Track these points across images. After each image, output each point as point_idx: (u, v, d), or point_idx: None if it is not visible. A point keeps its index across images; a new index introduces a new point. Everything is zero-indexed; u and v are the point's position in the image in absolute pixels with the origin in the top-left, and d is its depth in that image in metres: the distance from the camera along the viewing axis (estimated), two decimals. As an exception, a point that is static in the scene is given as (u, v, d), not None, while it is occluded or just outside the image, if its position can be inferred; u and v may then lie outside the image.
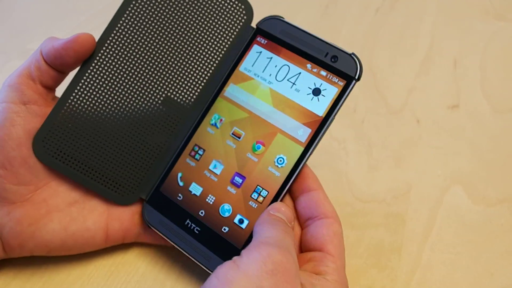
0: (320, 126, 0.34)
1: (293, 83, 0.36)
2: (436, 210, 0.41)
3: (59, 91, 0.36)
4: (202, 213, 0.35)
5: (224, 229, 0.35)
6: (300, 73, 0.36)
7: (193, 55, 0.37)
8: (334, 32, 0.54)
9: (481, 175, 0.43)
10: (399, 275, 0.38)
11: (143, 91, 0.36)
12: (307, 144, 0.34)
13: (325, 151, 0.45)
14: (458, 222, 0.41)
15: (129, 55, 0.36)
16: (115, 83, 0.35)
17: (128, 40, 0.35)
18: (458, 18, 0.55)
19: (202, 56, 0.37)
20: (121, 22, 0.35)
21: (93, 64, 0.35)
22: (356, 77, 0.34)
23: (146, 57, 0.36)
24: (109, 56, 0.35)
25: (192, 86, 0.37)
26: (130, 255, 0.38)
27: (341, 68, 0.34)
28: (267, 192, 0.35)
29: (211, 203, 0.35)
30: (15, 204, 0.34)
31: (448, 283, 0.37)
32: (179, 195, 0.36)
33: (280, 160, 0.35)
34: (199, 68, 0.37)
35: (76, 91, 0.35)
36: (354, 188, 0.43)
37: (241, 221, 0.35)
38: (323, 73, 0.35)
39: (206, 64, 0.37)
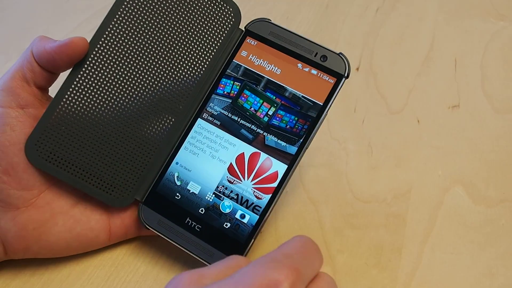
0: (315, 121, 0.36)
1: None
2: (437, 210, 0.41)
3: (53, 90, 0.35)
4: (202, 210, 0.36)
5: (226, 225, 0.35)
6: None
7: (184, 57, 0.37)
8: (334, 32, 0.54)
9: (481, 175, 0.43)
10: (400, 276, 0.38)
11: (135, 93, 0.36)
12: (304, 138, 0.36)
13: (325, 151, 0.45)
14: (458, 222, 0.40)
15: (120, 57, 0.35)
16: (107, 85, 0.35)
17: (119, 42, 0.35)
18: (459, 18, 0.55)
19: (192, 58, 0.37)
20: (111, 24, 0.35)
21: (85, 66, 0.34)
22: (346, 75, 0.36)
23: (137, 58, 0.36)
24: (100, 58, 0.35)
25: (184, 87, 0.37)
26: (130, 255, 0.38)
27: (331, 66, 0.36)
28: (268, 186, 0.35)
29: (210, 200, 0.36)
30: (20, 209, 0.33)
31: (448, 283, 0.37)
32: (177, 194, 0.36)
33: None
34: (190, 69, 0.37)
35: (68, 93, 0.34)
36: (354, 188, 0.43)
37: (242, 216, 0.35)
38: (314, 72, 0.36)
39: (197, 65, 0.37)
